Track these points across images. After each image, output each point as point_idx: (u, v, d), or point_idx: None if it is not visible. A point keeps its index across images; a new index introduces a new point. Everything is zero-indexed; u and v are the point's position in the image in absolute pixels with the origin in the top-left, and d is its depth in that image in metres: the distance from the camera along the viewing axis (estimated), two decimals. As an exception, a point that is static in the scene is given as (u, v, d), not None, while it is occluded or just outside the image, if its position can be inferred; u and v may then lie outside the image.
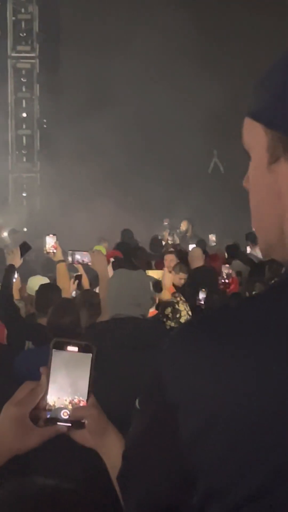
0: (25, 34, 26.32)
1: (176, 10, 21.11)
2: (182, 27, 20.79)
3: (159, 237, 14.54)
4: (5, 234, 17.71)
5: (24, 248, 7.19)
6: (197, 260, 9.44)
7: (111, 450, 1.71)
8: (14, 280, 8.20)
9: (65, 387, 1.67)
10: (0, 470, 1.65)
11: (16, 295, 8.10)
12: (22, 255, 7.11)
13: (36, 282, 7.56)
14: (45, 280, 7.80)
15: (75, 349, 1.68)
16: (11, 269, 6.94)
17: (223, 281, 8.63)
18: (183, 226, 16.46)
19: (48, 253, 7.22)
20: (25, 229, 22.09)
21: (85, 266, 7.07)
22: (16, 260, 7.07)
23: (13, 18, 26.26)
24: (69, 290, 7.26)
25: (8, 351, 5.72)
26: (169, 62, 21.64)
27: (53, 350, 1.68)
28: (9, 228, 19.48)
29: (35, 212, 25.01)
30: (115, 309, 4.38)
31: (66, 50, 24.25)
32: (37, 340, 5.71)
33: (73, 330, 5.14)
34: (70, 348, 1.68)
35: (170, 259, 10.07)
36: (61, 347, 1.69)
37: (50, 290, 6.33)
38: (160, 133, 22.13)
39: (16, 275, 8.30)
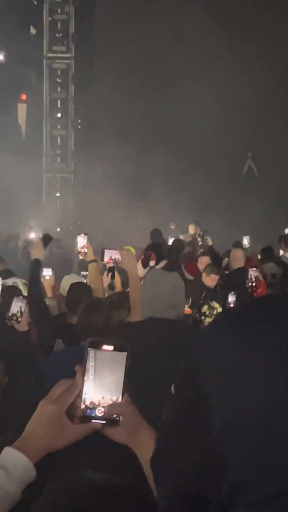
0: (61, 35, 26.48)
1: (206, 9, 21.11)
2: (218, 26, 20.76)
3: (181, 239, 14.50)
4: (33, 235, 17.73)
5: (46, 239, 7.16)
6: (238, 261, 9.40)
7: (145, 447, 1.72)
8: (47, 277, 8.20)
9: (100, 385, 1.68)
10: (40, 465, 1.67)
11: (49, 293, 8.08)
12: (45, 246, 7.07)
13: (70, 281, 7.54)
14: (79, 279, 7.77)
15: (111, 347, 1.69)
16: (37, 263, 6.90)
17: (250, 284, 8.58)
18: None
19: (79, 252, 7.19)
20: (58, 229, 22.19)
21: (115, 265, 7.05)
22: (40, 253, 7.04)
23: (49, 18, 26.44)
24: (101, 289, 7.22)
25: (39, 349, 5.72)
26: (204, 62, 21.60)
27: (89, 348, 1.68)
28: (40, 229, 19.55)
29: (68, 212, 25.12)
30: (150, 311, 4.34)
31: (102, 51, 24.32)
32: (67, 339, 5.70)
33: (102, 330, 5.10)
34: (105, 347, 1.69)
35: (205, 261, 10.05)
36: (97, 346, 1.69)
37: (80, 289, 6.31)
38: (194, 135, 22.07)
39: (50, 273, 8.29)
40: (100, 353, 1.68)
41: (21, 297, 5.77)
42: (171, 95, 21.35)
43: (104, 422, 1.68)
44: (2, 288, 7.02)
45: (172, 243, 13.21)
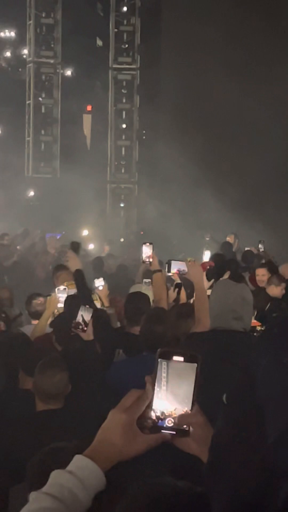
0: (126, 46, 26.69)
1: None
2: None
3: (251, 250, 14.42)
4: (91, 246, 17.77)
5: (75, 247, 7.22)
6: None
7: None
8: (100, 288, 8.20)
9: (170, 396, 1.67)
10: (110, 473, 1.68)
11: (105, 302, 8.10)
12: (77, 253, 7.14)
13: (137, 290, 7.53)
14: (146, 289, 7.77)
15: (181, 358, 1.68)
16: (79, 274, 6.93)
17: None
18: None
19: (144, 262, 7.20)
20: (122, 240, 22.30)
21: (181, 276, 7.03)
22: (77, 263, 7.09)
23: (115, 30, 26.66)
24: (166, 300, 7.20)
25: (100, 359, 5.73)
26: (261, 72, 21.46)
27: (159, 359, 1.68)
28: (106, 239, 19.65)
29: (132, 223, 25.23)
30: (216, 321, 4.32)
31: (167, 62, 24.40)
32: (128, 349, 5.70)
33: (165, 339, 5.09)
34: (176, 357, 1.68)
35: (262, 273, 10.02)
36: (167, 356, 1.68)
37: (138, 299, 6.31)
38: (264, 141, 21.88)
39: (102, 283, 8.30)
40: (171, 364, 1.68)
41: (87, 306, 5.81)
42: (238, 103, 21.25)
43: (174, 432, 1.67)
44: (66, 297, 7.09)
45: (243, 254, 13.18)
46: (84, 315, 5.59)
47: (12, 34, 26.86)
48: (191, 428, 1.68)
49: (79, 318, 5.57)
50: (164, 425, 1.67)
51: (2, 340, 5.79)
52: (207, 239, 17.96)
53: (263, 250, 14.13)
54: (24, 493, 1.68)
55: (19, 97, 25.97)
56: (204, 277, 7.21)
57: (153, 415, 1.67)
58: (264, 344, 1.39)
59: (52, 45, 26.52)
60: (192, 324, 5.55)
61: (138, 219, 25.83)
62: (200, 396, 1.68)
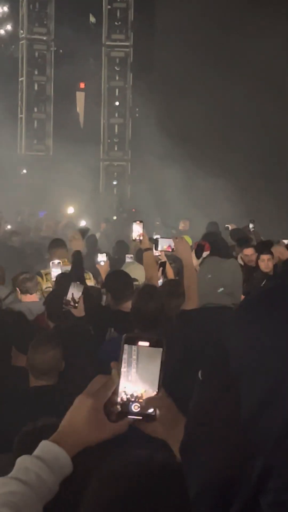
0: (120, 23, 26.51)
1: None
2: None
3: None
4: (83, 223, 17.67)
5: (83, 231, 7.33)
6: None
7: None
8: (102, 263, 8.28)
9: (136, 381, 1.68)
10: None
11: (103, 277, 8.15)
12: (83, 238, 7.28)
13: (132, 268, 7.58)
14: (140, 268, 7.80)
15: (146, 343, 1.68)
16: (78, 255, 7.05)
17: None
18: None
19: (135, 240, 7.22)
20: (114, 217, 22.28)
21: (170, 253, 7.05)
22: (80, 245, 7.22)
23: (109, 6, 26.48)
24: (157, 277, 7.23)
25: (92, 336, 5.77)
26: (271, 52, 21.30)
27: (125, 345, 1.68)
28: (99, 216, 19.63)
29: (125, 201, 25.18)
30: (206, 298, 4.33)
31: (160, 39, 24.25)
32: (120, 327, 5.73)
33: (156, 316, 5.12)
34: (141, 343, 1.68)
35: (250, 253, 10.11)
36: (133, 342, 1.69)
37: (119, 275, 6.36)
38: (255, 129, 21.82)
39: (105, 258, 8.36)
40: (136, 349, 1.68)
41: (78, 282, 5.84)
42: (232, 84, 21.14)
43: (141, 418, 1.69)
44: (57, 275, 7.16)
45: (230, 233, 13.13)
46: (74, 292, 5.63)
47: (5, 9, 26.65)
48: (157, 412, 1.70)
49: (69, 295, 5.61)
50: (130, 410, 1.68)
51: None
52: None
53: (253, 229, 14.07)
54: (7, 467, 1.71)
55: (11, 74, 25.81)
56: (193, 255, 7.23)
57: (122, 398, 1.68)
58: (239, 316, 1.39)
59: (45, 22, 26.34)
60: (182, 301, 5.58)
61: (131, 197, 25.78)
62: (190, 373, 1.68)
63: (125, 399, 1.69)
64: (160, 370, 1.69)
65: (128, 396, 1.69)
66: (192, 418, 1.47)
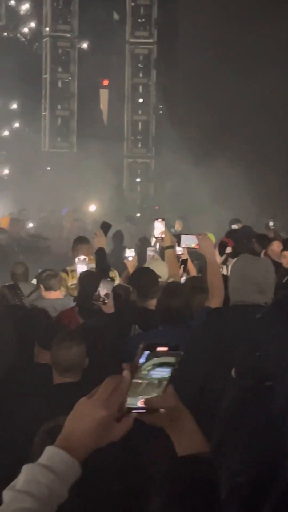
0: (143, 20, 26.49)
1: None
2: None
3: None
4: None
5: (105, 227, 7.30)
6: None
7: (184, 434, 1.73)
8: (130, 258, 8.27)
9: (147, 384, 1.67)
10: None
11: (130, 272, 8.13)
12: (105, 234, 7.23)
13: (155, 266, 7.55)
14: (163, 265, 7.81)
15: (165, 348, 1.67)
16: (101, 252, 7.02)
17: None
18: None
19: (157, 238, 7.22)
20: (138, 214, 22.28)
21: (193, 250, 7.03)
22: (103, 241, 7.17)
23: (132, 3, 26.47)
24: (179, 275, 7.23)
25: (119, 333, 5.77)
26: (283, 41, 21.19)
27: (144, 351, 1.67)
28: (123, 214, 19.64)
29: (149, 198, 25.18)
30: (238, 295, 4.30)
31: (184, 36, 24.19)
32: (143, 324, 5.73)
33: (181, 313, 5.13)
34: (160, 348, 1.67)
35: (277, 246, 10.07)
36: (151, 348, 1.68)
37: (145, 273, 6.34)
38: (279, 124, 21.71)
39: (133, 253, 8.35)
40: (153, 354, 1.68)
41: (108, 279, 5.85)
42: (256, 82, 21.02)
43: (144, 411, 1.68)
44: (83, 272, 7.16)
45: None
46: (105, 288, 5.63)
47: (29, 7, 26.72)
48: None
49: (99, 291, 5.60)
50: (135, 405, 1.67)
51: (19, 315, 5.85)
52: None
53: (273, 227, 13.82)
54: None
55: (35, 71, 25.88)
56: (217, 252, 7.20)
57: (127, 402, 1.66)
58: (270, 316, 1.40)
59: (69, 19, 26.36)
60: (205, 298, 5.56)
61: (154, 194, 25.77)
62: (221, 370, 1.68)
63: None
64: (172, 374, 1.68)
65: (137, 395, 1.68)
66: (224, 415, 1.49)
